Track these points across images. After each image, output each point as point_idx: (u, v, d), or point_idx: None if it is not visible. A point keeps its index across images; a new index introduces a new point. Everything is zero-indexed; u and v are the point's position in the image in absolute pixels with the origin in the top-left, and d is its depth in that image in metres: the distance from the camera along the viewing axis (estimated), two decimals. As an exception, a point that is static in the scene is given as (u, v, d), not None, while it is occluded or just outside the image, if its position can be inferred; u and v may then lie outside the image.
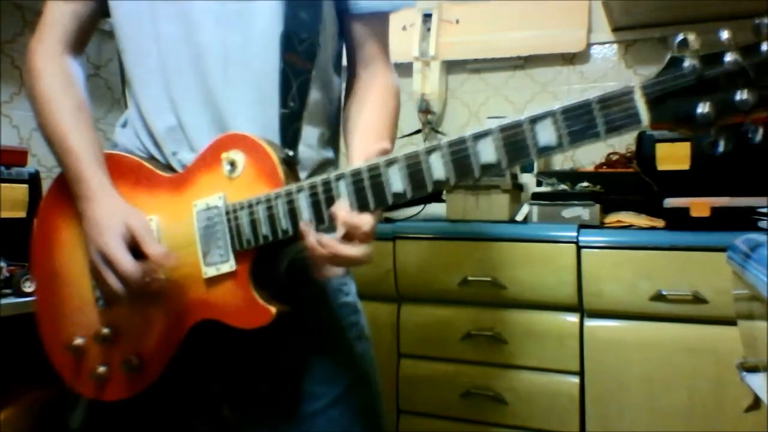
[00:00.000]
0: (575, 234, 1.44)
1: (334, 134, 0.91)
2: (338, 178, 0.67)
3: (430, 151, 0.63)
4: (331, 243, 0.67)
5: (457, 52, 2.15)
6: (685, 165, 1.41)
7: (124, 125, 0.89)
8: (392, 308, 1.61)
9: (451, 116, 2.20)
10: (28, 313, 1.16)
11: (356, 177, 0.66)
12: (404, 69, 2.07)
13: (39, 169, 1.46)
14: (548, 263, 1.45)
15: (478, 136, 0.61)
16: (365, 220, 0.66)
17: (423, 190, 0.64)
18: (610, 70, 2.01)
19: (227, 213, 0.73)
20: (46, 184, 1.53)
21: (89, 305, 0.81)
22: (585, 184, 1.61)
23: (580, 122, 0.57)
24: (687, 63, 0.53)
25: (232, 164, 0.73)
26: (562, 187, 1.61)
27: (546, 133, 0.58)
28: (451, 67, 2.20)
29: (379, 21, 0.89)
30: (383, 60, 0.90)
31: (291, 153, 0.78)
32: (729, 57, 0.52)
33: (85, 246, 0.78)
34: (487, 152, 0.61)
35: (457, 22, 2.16)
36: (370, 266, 0.74)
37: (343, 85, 0.94)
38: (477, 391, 1.51)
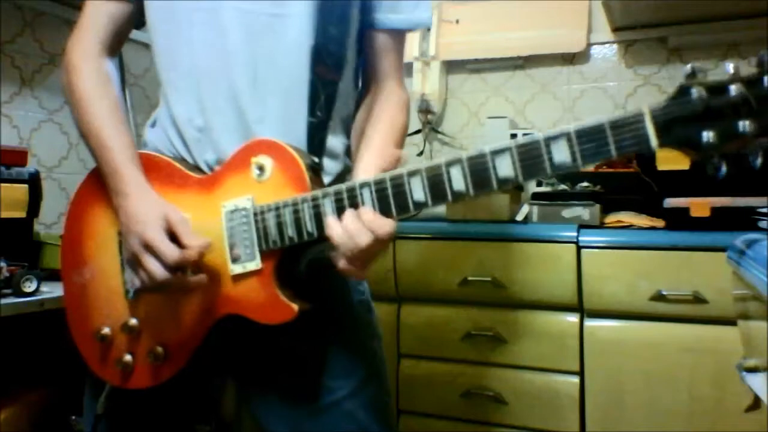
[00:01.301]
0: (575, 234, 1.44)
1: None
2: (363, 185, 0.70)
3: (450, 164, 0.66)
4: (366, 213, 0.69)
5: (457, 52, 2.15)
6: (685, 165, 1.40)
7: (153, 125, 0.91)
8: (392, 308, 1.62)
9: (451, 116, 2.20)
10: (28, 313, 1.17)
11: (380, 185, 0.70)
12: (404, 69, 2.07)
13: (39, 169, 1.46)
14: (548, 263, 1.45)
15: (497, 152, 0.64)
16: (387, 222, 0.69)
17: (443, 200, 0.67)
18: (610, 70, 2.01)
19: (255, 214, 0.76)
20: (46, 184, 1.54)
21: (118, 296, 0.84)
22: (585, 184, 1.62)
23: (592, 143, 0.60)
24: (695, 92, 0.57)
25: (261, 168, 0.76)
26: (562, 187, 1.61)
27: (561, 152, 0.61)
28: (451, 67, 2.20)
29: (397, 38, 0.93)
30: (397, 76, 0.95)
31: (317, 160, 0.81)
32: (734, 88, 0.55)
33: (116, 239, 0.83)
34: (505, 167, 0.64)
35: (457, 22, 2.16)
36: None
37: None
38: (477, 391, 1.51)
